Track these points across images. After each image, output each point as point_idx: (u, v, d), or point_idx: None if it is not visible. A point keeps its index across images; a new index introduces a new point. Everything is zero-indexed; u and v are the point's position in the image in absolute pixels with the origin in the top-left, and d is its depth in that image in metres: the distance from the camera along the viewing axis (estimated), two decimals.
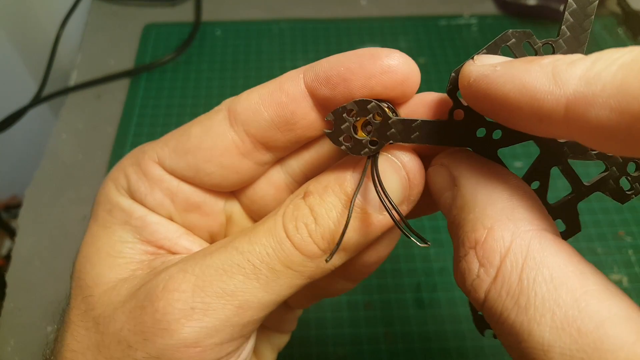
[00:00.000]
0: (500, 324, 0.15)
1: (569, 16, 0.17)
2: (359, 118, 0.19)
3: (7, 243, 0.92)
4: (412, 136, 0.19)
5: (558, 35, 0.17)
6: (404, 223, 0.19)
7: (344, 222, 0.19)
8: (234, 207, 0.23)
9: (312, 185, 0.20)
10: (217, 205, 0.23)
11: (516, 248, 0.15)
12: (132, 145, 0.52)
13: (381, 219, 0.19)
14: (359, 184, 0.19)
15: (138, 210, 0.21)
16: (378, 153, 0.19)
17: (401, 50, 0.19)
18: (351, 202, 0.19)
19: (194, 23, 0.63)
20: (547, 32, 0.63)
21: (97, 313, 0.19)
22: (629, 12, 0.61)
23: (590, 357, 0.13)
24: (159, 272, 0.19)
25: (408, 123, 0.19)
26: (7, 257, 0.74)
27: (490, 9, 0.65)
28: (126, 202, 0.21)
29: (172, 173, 0.21)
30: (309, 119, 0.20)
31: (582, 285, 0.14)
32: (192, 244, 0.22)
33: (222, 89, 0.57)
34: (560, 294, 0.14)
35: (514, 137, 0.19)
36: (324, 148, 0.22)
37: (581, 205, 0.19)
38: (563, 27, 0.17)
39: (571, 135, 0.13)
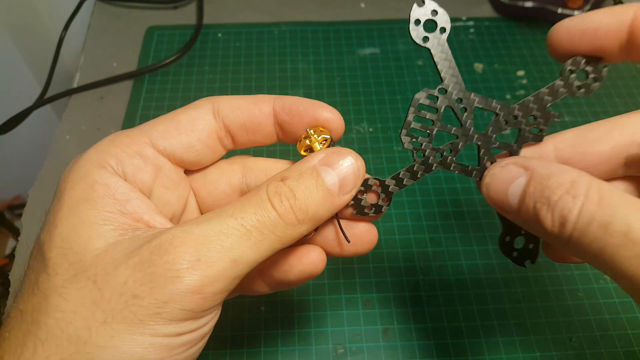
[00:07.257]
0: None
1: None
2: (367, 192, 0.27)
3: (10, 242, 0.92)
4: (404, 182, 0.27)
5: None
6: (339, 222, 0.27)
7: (316, 199, 0.25)
8: (191, 198, 0.29)
9: (287, 172, 0.25)
10: (186, 189, 0.28)
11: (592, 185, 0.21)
12: None
13: (344, 199, 0.26)
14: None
15: (123, 186, 0.24)
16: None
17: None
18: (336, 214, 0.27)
19: (196, 26, 0.63)
20: (544, 34, 0.63)
21: (93, 272, 0.22)
22: None
23: None
24: (156, 235, 0.22)
25: (397, 176, 0.27)
26: (11, 256, 0.75)
27: (488, 12, 0.66)
28: (112, 179, 0.24)
29: (163, 152, 0.26)
30: (268, 130, 0.28)
31: None
32: (165, 221, 0.25)
33: (223, 91, 0.58)
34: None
35: None
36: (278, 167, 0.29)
37: None
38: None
39: None
